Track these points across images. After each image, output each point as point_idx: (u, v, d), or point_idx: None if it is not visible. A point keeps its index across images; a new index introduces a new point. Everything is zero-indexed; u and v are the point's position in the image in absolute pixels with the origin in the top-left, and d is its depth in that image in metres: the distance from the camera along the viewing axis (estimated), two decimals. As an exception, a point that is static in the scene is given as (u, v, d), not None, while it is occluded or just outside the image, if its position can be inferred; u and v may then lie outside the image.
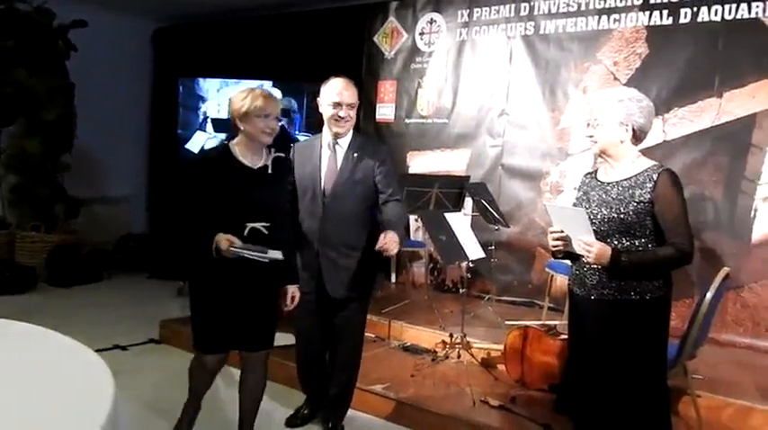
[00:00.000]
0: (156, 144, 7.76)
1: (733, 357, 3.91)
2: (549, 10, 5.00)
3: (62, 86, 6.14)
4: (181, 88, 6.92)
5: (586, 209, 2.26)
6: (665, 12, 4.45)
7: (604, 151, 2.28)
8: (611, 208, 2.22)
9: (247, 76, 6.30)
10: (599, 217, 2.24)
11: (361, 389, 3.32)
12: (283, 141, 2.73)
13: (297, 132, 6.23)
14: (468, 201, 4.71)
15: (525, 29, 5.13)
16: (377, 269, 3.01)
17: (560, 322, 3.73)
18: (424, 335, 4.25)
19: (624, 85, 4.53)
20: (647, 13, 4.53)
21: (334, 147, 2.95)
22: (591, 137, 2.29)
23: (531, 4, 5.08)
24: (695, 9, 4.33)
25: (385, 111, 5.94)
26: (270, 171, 2.55)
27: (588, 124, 2.30)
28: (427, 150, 5.70)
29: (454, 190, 4.46)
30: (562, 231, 2.27)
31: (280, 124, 2.57)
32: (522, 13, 5.13)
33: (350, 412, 3.19)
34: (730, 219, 4.23)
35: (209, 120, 6.81)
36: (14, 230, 6.16)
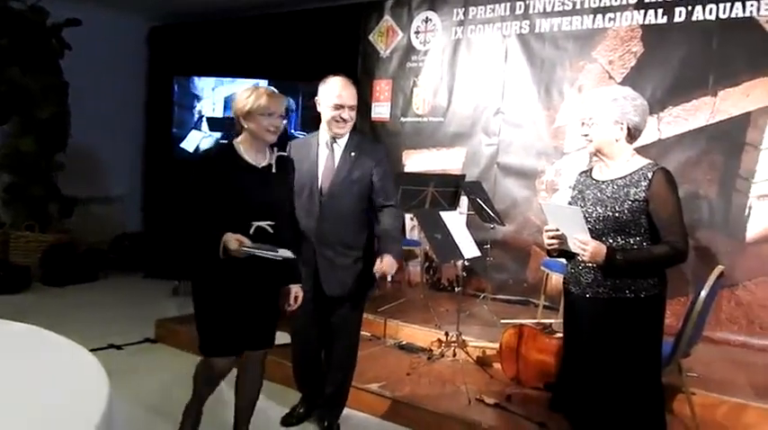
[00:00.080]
0: (151, 143, 7.74)
1: (727, 355, 3.93)
2: (545, 8, 5.00)
3: (56, 85, 6.13)
4: (176, 87, 6.90)
5: (581, 207, 2.27)
6: (660, 10, 4.46)
7: (599, 150, 2.29)
8: (606, 206, 2.22)
9: (242, 75, 6.30)
10: (594, 215, 2.24)
11: (357, 388, 3.32)
12: (282, 139, 2.72)
13: (293, 130, 6.23)
14: (464, 200, 4.72)
15: (521, 27, 5.13)
16: (373, 268, 3.01)
17: (556, 320, 3.74)
18: (419, 334, 4.25)
19: (619, 83, 4.54)
20: (642, 11, 4.54)
21: (332, 145, 2.95)
22: (586, 136, 2.29)
23: (527, 2, 5.08)
24: (690, 8, 4.34)
25: (380, 110, 5.94)
26: (274, 170, 2.53)
27: (583, 123, 2.30)
28: (423, 149, 5.70)
29: (450, 188, 4.46)
30: (557, 230, 2.27)
31: (284, 122, 2.55)
32: (518, 12, 5.14)
33: (345, 411, 3.20)
34: (725, 218, 4.25)
35: (204, 118, 6.80)
36: (8, 230, 6.13)
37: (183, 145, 6.84)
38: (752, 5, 4.12)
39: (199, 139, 6.79)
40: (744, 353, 4.00)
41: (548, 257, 3.68)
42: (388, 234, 2.89)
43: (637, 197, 2.18)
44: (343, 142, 2.95)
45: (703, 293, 2.80)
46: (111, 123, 7.00)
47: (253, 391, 2.69)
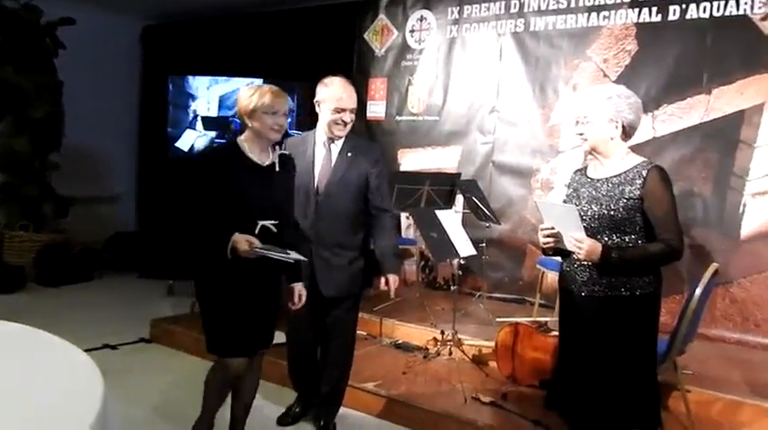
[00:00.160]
0: (145, 142, 7.72)
1: (722, 352, 3.94)
2: (539, 7, 5.01)
3: (50, 84, 6.11)
4: (170, 86, 6.87)
5: (576, 205, 2.27)
6: (654, 9, 4.48)
7: (594, 148, 2.29)
8: (601, 204, 2.23)
9: (237, 74, 6.28)
10: (589, 213, 2.25)
11: (353, 387, 3.32)
12: (282, 139, 2.70)
13: (289, 129, 6.22)
14: (460, 199, 4.72)
15: (515, 26, 5.14)
16: (369, 268, 3.01)
17: (551, 319, 3.75)
18: (415, 333, 4.25)
19: (614, 81, 4.55)
20: (637, 10, 4.56)
21: (329, 145, 2.94)
22: (581, 134, 2.29)
23: (521, 1, 5.09)
24: (684, 6, 4.36)
25: (375, 109, 5.93)
26: (277, 169, 2.51)
27: (577, 121, 2.31)
28: (418, 148, 5.70)
29: (445, 187, 4.46)
30: (553, 228, 2.28)
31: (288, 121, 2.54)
32: (512, 11, 5.14)
33: (341, 410, 3.19)
34: (719, 216, 4.26)
35: (198, 118, 6.78)
36: (3, 230, 6.11)
37: (177, 144, 6.80)
38: (746, 3, 4.13)
39: (193, 139, 6.76)
40: (739, 351, 4.01)
41: (543, 256, 3.68)
42: (386, 252, 2.94)
43: (632, 195, 2.18)
44: (339, 142, 2.95)
45: (698, 291, 2.81)
46: (106, 123, 6.97)
47: (250, 391, 2.68)
